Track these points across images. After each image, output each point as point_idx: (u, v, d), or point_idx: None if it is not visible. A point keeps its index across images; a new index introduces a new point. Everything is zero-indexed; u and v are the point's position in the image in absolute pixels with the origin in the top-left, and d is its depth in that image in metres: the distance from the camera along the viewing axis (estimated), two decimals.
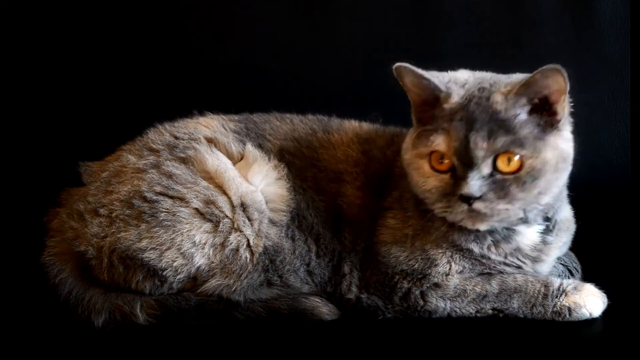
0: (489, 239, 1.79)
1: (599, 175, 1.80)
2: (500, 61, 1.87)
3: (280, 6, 2.65)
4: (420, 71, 1.73)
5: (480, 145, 1.65)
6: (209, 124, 1.97)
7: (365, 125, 2.03)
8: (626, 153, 2.48)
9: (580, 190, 1.94)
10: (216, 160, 1.85)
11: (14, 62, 2.62)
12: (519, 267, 1.81)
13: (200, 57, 2.66)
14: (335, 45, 2.63)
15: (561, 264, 1.93)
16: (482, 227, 1.73)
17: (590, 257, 2.02)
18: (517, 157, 1.66)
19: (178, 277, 1.80)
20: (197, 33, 2.67)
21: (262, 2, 2.66)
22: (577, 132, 1.81)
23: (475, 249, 1.79)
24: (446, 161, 1.70)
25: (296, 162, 1.94)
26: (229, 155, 1.89)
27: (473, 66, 1.85)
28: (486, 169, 1.67)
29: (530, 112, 1.69)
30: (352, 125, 2.02)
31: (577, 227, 1.94)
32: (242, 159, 1.90)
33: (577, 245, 1.98)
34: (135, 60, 2.65)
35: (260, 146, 1.94)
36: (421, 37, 2.53)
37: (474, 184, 1.66)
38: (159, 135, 1.94)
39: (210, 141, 1.91)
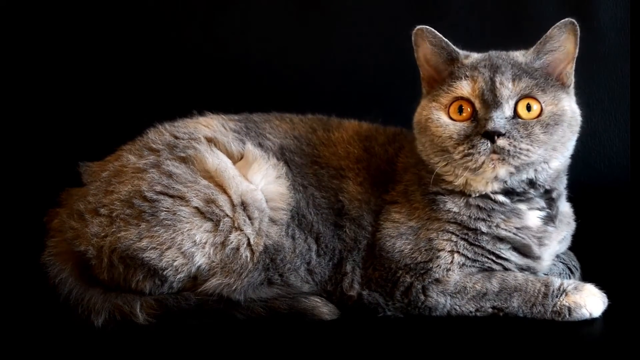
0: (499, 216, 1.80)
1: (599, 175, 1.80)
2: None
3: (280, 6, 2.66)
4: (440, 35, 1.81)
5: (505, 85, 1.73)
6: (209, 124, 1.98)
7: (365, 124, 2.04)
8: (626, 153, 2.48)
9: (580, 190, 1.94)
10: (216, 160, 1.85)
11: (14, 62, 2.62)
12: (527, 246, 1.82)
13: (200, 57, 2.66)
14: (336, 45, 2.64)
15: (561, 262, 1.94)
16: (502, 171, 1.75)
17: (590, 257, 2.03)
18: (535, 106, 1.73)
19: (178, 276, 1.80)
20: (197, 33, 2.67)
21: (262, 2, 2.66)
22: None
23: (484, 228, 1.80)
24: (466, 111, 1.76)
25: (296, 159, 1.94)
26: (229, 155, 1.90)
27: None
28: (508, 110, 1.73)
29: (544, 75, 1.78)
30: (352, 124, 2.04)
31: (577, 226, 1.95)
32: (242, 158, 1.90)
33: (577, 245, 1.98)
34: (135, 61, 2.66)
35: (260, 145, 1.94)
36: None
37: (499, 121, 1.70)
38: (159, 135, 1.94)
39: (210, 141, 1.91)
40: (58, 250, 1.88)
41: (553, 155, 1.77)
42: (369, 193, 1.90)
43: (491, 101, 1.72)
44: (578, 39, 1.77)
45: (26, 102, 2.64)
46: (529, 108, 1.73)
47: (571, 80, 1.82)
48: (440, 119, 1.78)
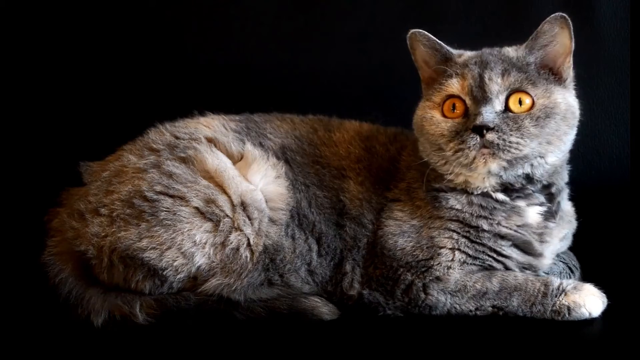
0: (500, 214, 1.80)
1: (599, 175, 1.80)
2: None
3: (280, 6, 2.65)
4: (433, 37, 1.83)
5: (494, 80, 1.74)
6: (210, 124, 1.98)
7: (366, 125, 2.05)
8: (626, 153, 2.48)
9: (580, 190, 1.94)
10: (216, 160, 1.85)
11: (14, 62, 2.62)
12: (528, 242, 1.82)
13: (201, 58, 2.66)
14: (337, 45, 2.63)
15: (561, 261, 1.94)
16: (494, 165, 1.75)
17: (590, 257, 2.03)
18: (527, 101, 1.74)
19: (178, 276, 1.80)
20: (197, 33, 2.67)
21: (262, 2, 2.66)
22: (577, 132, 1.83)
23: (485, 225, 1.80)
24: (458, 109, 1.77)
25: (298, 159, 1.94)
26: (229, 155, 1.90)
27: None
28: (499, 105, 1.74)
29: (537, 71, 1.78)
30: (353, 124, 2.04)
31: (578, 226, 1.95)
32: (242, 158, 1.90)
33: (577, 245, 1.99)
34: (135, 61, 2.66)
35: (261, 145, 1.95)
36: None
37: (488, 115, 1.71)
38: (159, 135, 1.95)
39: (211, 141, 1.91)
40: (58, 250, 1.88)
41: (548, 149, 1.77)
42: (370, 191, 1.90)
43: (480, 97, 1.74)
44: (572, 33, 1.77)
45: (26, 102, 2.64)
46: (520, 102, 1.74)
47: (568, 74, 1.82)
48: (434, 117, 1.80)
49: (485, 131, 1.70)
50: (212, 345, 1.73)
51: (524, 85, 1.74)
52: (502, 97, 1.74)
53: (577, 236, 1.96)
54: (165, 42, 2.66)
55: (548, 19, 1.76)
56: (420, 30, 1.84)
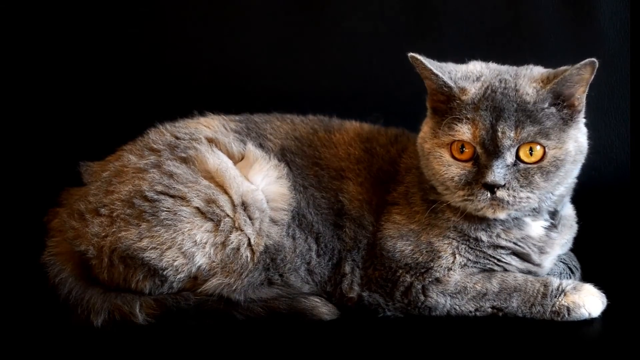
0: (499, 227, 1.80)
1: (599, 175, 1.80)
2: (499, 61, 1.87)
3: (280, 6, 2.65)
4: (429, 65, 1.74)
5: (508, 134, 1.68)
6: (210, 124, 1.98)
7: (366, 125, 2.04)
8: (626, 153, 2.48)
9: (580, 190, 1.94)
10: (217, 160, 1.85)
11: (14, 62, 2.62)
12: (527, 255, 1.82)
13: (201, 58, 2.66)
14: (337, 46, 2.63)
15: (562, 262, 1.94)
16: (502, 215, 1.75)
17: (590, 257, 2.03)
18: (538, 148, 1.69)
19: (178, 276, 1.80)
20: (197, 33, 2.67)
21: (262, 2, 2.66)
22: None
23: (484, 237, 1.80)
24: (467, 150, 1.72)
25: (297, 160, 1.94)
26: (230, 155, 1.90)
27: None
28: (510, 158, 1.69)
29: (552, 105, 1.72)
30: (353, 125, 2.04)
31: (578, 226, 1.94)
32: (242, 158, 1.90)
33: (577, 245, 1.99)
34: (135, 61, 2.65)
35: (261, 146, 1.95)
36: (421, 36, 2.54)
37: (499, 172, 1.68)
38: (159, 135, 1.94)
39: (211, 141, 1.91)
40: (58, 250, 1.88)
41: (556, 188, 1.76)
42: (370, 193, 1.90)
43: (492, 150, 1.69)
44: (595, 71, 1.69)
45: (26, 102, 2.64)
46: (531, 151, 1.69)
47: (582, 104, 1.76)
48: (443, 157, 1.75)
49: (496, 189, 1.68)
50: (212, 345, 1.73)
51: (537, 138, 1.69)
52: (514, 150, 1.69)
53: (577, 237, 1.96)
54: (165, 42, 2.66)
55: (578, 66, 1.67)
56: (417, 56, 1.74)
